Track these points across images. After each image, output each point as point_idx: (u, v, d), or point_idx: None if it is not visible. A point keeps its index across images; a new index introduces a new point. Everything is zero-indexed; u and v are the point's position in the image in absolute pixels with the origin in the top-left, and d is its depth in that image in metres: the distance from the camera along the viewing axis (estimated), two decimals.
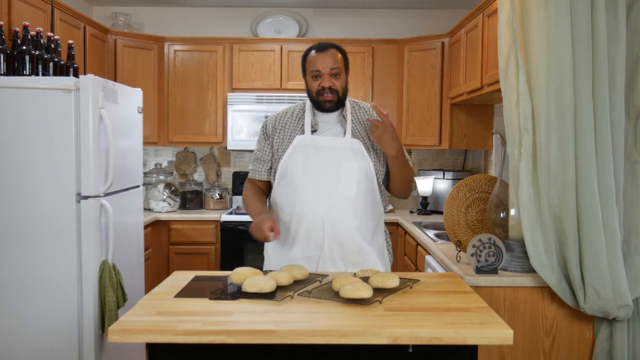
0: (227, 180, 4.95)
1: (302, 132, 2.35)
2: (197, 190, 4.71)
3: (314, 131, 2.36)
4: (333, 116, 2.37)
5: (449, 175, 4.53)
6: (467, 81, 3.76)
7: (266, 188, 2.49)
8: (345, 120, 2.36)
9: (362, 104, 2.45)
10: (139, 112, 3.43)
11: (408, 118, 4.52)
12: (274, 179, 2.39)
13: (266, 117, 4.43)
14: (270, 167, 2.43)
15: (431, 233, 3.47)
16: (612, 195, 2.14)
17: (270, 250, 2.44)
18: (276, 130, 2.40)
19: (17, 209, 2.70)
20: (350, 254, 2.31)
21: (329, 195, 2.29)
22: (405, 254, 4.02)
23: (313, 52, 2.32)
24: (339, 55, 2.32)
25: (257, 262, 4.18)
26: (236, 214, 4.36)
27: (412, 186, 2.44)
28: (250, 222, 2.30)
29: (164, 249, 4.30)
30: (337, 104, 2.33)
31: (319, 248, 2.30)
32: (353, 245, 2.31)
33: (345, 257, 2.31)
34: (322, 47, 2.32)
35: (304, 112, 2.40)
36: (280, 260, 2.36)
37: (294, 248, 2.33)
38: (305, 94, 2.40)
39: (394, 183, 2.38)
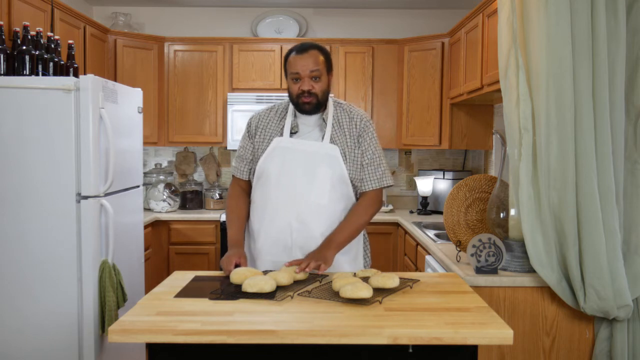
0: (227, 180, 4.95)
1: (282, 134, 2.33)
2: (197, 190, 4.71)
3: (294, 133, 2.33)
4: (313, 119, 2.34)
5: (449, 175, 4.53)
6: (467, 81, 3.76)
7: (248, 187, 2.46)
8: (326, 124, 2.32)
9: (345, 106, 2.38)
10: (139, 112, 3.43)
11: (408, 118, 4.52)
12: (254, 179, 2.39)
13: None
14: (252, 167, 2.40)
15: (431, 233, 3.47)
16: (612, 195, 2.14)
17: (247, 250, 2.42)
18: (258, 129, 2.38)
19: (17, 209, 2.70)
20: None
21: (300, 201, 2.27)
22: (405, 254, 4.02)
23: (293, 53, 2.27)
24: (320, 57, 2.26)
25: None
26: None
27: (373, 215, 2.37)
28: None
29: (164, 249, 4.30)
30: (316, 107, 2.29)
31: (287, 253, 2.28)
32: None
33: None
34: (302, 48, 2.26)
35: (286, 112, 2.37)
36: (251, 263, 2.36)
37: (263, 252, 2.32)
38: None
39: None
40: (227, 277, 2.07)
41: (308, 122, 2.34)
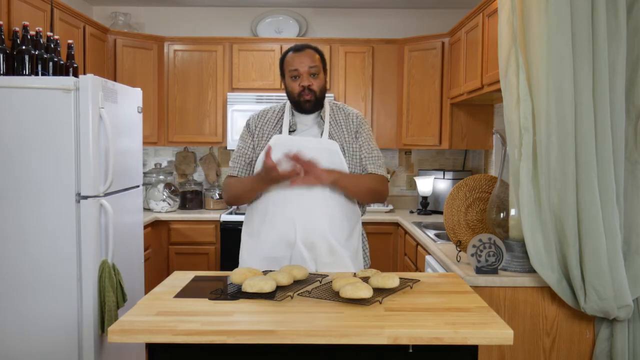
0: None
1: (280, 132, 2.38)
2: (197, 190, 4.71)
3: (292, 131, 2.38)
4: (311, 117, 2.40)
5: (449, 175, 4.53)
6: (467, 81, 3.75)
7: None
8: (323, 122, 2.38)
9: (340, 105, 2.47)
10: (139, 112, 3.43)
11: (408, 118, 4.51)
12: None
13: None
14: (253, 165, 2.42)
15: (431, 233, 3.46)
16: (612, 195, 2.13)
17: (244, 250, 2.44)
18: (257, 127, 2.43)
19: (17, 209, 2.70)
20: (321, 255, 2.30)
21: (302, 196, 2.29)
22: (405, 254, 4.02)
23: (290, 53, 2.36)
24: (317, 56, 2.37)
25: None
26: (236, 214, 4.35)
27: (377, 196, 2.40)
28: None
29: (163, 249, 4.30)
30: (316, 104, 2.36)
31: (290, 248, 2.30)
32: (325, 246, 2.30)
33: (316, 258, 2.30)
34: (299, 47, 2.37)
35: (284, 112, 2.43)
36: (253, 258, 2.37)
37: (265, 248, 2.33)
38: None
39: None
40: (227, 277, 2.07)
41: (305, 120, 2.40)
